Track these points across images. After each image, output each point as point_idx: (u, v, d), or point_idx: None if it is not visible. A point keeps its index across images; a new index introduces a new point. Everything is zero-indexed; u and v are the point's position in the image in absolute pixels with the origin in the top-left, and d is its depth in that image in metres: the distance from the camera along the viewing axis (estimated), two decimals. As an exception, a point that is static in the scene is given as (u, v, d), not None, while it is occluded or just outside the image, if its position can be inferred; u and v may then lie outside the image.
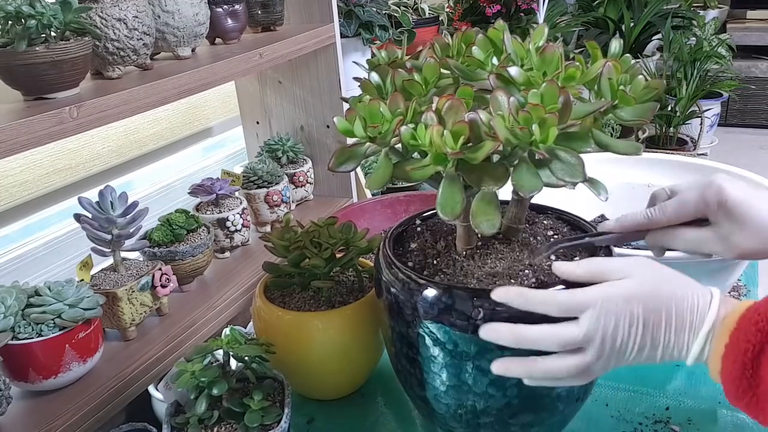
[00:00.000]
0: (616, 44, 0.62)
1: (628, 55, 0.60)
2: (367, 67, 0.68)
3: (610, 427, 0.76)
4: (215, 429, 0.67)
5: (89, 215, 0.88)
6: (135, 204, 0.92)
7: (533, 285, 0.61)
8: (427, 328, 0.61)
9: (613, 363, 0.54)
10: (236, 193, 1.17)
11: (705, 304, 0.54)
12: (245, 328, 1.02)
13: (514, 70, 0.57)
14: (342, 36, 1.42)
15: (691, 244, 0.62)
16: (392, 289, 0.64)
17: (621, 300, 0.53)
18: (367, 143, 0.60)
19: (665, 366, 0.85)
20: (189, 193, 1.13)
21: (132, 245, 0.96)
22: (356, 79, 0.67)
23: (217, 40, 1.11)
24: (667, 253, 0.77)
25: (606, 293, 0.53)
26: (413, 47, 1.70)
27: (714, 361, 0.53)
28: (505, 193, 0.60)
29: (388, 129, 0.58)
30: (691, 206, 0.61)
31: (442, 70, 0.64)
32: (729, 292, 1.01)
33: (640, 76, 0.58)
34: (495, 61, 0.63)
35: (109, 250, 0.91)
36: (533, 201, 0.66)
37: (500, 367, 0.56)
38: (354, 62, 0.92)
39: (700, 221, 0.61)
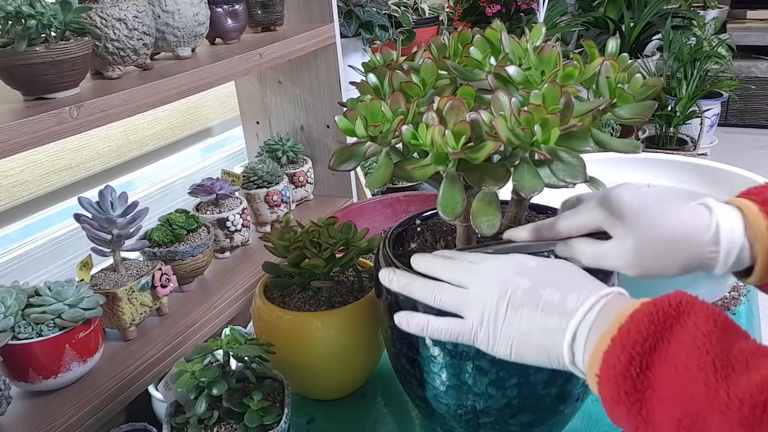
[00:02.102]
0: (613, 43, 0.62)
1: (625, 54, 0.60)
2: (362, 70, 0.68)
3: (610, 427, 0.75)
4: (215, 429, 0.67)
5: (89, 215, 0.88)
6: (135, 204, 0.92)
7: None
8: (427, 328, 0.61)
9: (494, 340, 0.51)
10: (236, 193, 1.17)
11: (593, 292, 0.48)
12: (245, 328, 1.02)
13: (512, 70, 0.57)
14: (342, 36, 1.42)
15: (590, 259, 0.56)
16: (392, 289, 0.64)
17: (503, 273, 0.51)
18: (368, 143, 0.60)
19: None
20: (189, 193, 1.13)
21: (132, 245, 0.96)
22: (353, 83, 0.67)
23: (217, 40, 1.11)
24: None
25: (492, 266, 0.53)
26: (412, 47, 1.70)
27: (594, 358, 0.45)
28: (505, 193, 0.60)
29: (389, 128, 0.58)
30: (586, 216, 0.56)
31: (440, 71, 0.64)
32: (729, 293, 1.01)
33: (638, 74, 0.58)
34: (493, 61, 0.63)
35: (109, 250, 0.91)
36: (533, 201, 0.66)
37: (400, 319, 0.57)
38: (349, 66, 0.92)
39: (601, 234, 0.56)
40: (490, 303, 0.51)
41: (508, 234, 0.60)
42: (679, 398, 0.40)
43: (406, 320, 0.57)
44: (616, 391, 0.43)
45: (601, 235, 0.55)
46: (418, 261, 0.58)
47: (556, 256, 0.59)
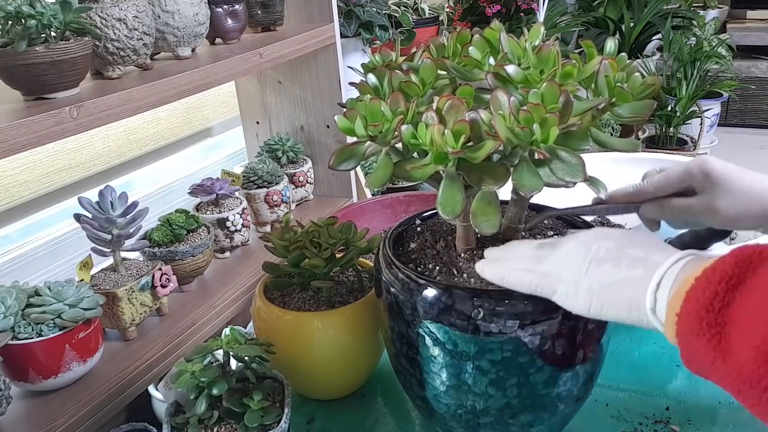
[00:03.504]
0: (611, 43, 0.62)
1: (623, 53, 0.60)
2: (362, 71, 0.68)
3: (610, 427, 0.76)
4: (215, 429, 0.67)
5: (89, 215, 0.88)
6: (135, 204, 0.92)
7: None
8: (427, 328, 0.61)
9: (574, 293, 0.53)
10: (236, 193, 1.17)
11: (677, 251, 0.51)
12: (245, 328, 1.02)
13: (511, 69, 0.57)
14: (342, 36, 1.43)
15: (678, 212, 0.65)
16: (392, 289, 0.64)
17: (586, 237, 0.55)
18: (368, 142, 0.60)
19: (665, 366, 0.85)
20: (189, 193, 1.13)
21: (132, 245, 0.96)
22: (353, 84, 0.67)
23: (217, 40, 1.11)
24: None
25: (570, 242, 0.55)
26: (412, 47, 1.70)
27: (677, 298, 0.47)
28: (505, 192, 0.60)
29: (388, 128, 0.58)
30: (676, 177, 0.64)
31: (439, 71, 0.64)
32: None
33: (637, 73, 0.58)
34: (492, 61, 0.63)
35: (109, 250, 0.91)
36: (533, 200, 0.66)
37: (482, 266, 0.60)
38: (349, 67, 0.92)
39: (687, 193, 0.65)
40: (574, 259, 0.54)
41: (594, 200, 0.66)
42: (760, 326, 0.42)
43: (487, 267, 0.59)
44: (698, 324, 0.44)
45: (688, 194, 0.65)
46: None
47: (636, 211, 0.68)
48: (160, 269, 0.93)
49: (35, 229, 1.04)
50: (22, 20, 0.70)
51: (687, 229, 0.71)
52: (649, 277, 0.49)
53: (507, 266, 0.58)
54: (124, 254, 0.94)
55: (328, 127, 1.35)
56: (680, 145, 2.78)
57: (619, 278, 0.51)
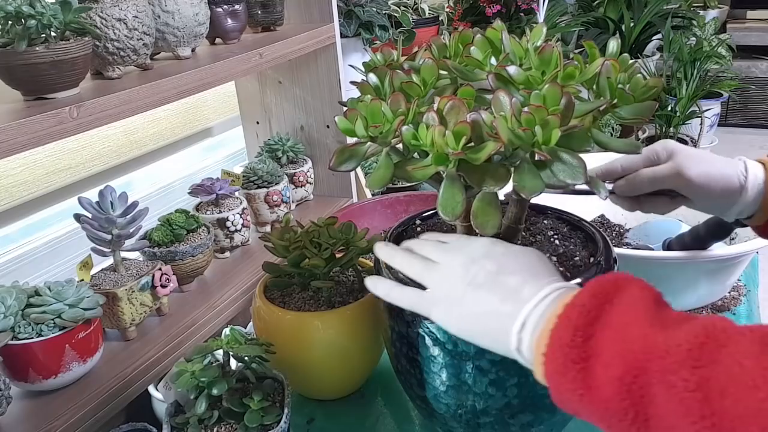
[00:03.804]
0: (613, 44, 0.62)
1: (626, 54, 0.60)
2: (363, 70, 0.68)
3: (610, 427, 0.76)
4: (215, 429, 0.67)
5: (89, 215, 0.88)
6: (135, 204, 0.92)
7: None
8: (427, 328, 0.61)
9: (447, 315, 0.54)
10: (236, 193, 1.17)
11: (550, 283, 0.51)
12: (245, 328, 1.02)
13: (512, 70, 0.57)
14: (342, 36, 1.42)
15: (648, 181, 0.74)
16: (392, 289, 0.64)
17: (471, 254, 0.55)
18: (368, 143, 0.60)
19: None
20: (189, 193, 1.13)
21: (132, 245, 0.96)
22: (353, 83, 0.67)
23: (217, 40, 1.11)
24: (666, 253, 0.81)
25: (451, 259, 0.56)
26: (412, 47, 1.70)
27: (542, 338, 0.47)
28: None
29: (389, 129, 0.58)
30: (641, 156, 0.75)
31: (440, 71, 0.64)
32: (729, 293, 1.01)
33: (639, 75, 0.58)
34: (493, 61, 0.63)
35: (109, 250, 0.91)
36: (533, 201, 0.66)
37: (370, 283, 0.61)
38: (350, 65, 0.92)
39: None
40: (453, 280, 0.54)
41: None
42: (620, 357, 0.42)
43: (373, 284, 0.60)
44: (563, 362, 0.45)
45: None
46: (407, 243, 0.62)
47: (612, 193, 0.77)
48: (160, 269, 0.93)
49: (35, 229, 1.04)
50: (22, 20, 0.70)
51: (659, 212, 0.78)
52: (515, 316, 0.49)
53: (386, 281, 0.59)
54: (124, 254, 0.94)
55: (328, 127, 1.35)
56: (680, 145, 2.78)
57: (489, 310, 0.51)
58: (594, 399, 0.43)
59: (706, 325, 0.41)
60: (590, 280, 0.48)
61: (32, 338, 0.77)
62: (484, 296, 0.51)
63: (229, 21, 1.07)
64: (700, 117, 2.67)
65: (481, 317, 0.51)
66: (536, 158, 0.54)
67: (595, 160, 0.76)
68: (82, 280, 0.88)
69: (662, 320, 0.43)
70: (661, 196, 0.75)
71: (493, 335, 0.51)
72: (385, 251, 0.61)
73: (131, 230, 0.91)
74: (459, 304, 0.53)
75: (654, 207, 0.77)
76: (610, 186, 0.77)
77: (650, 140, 2.80)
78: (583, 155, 0.54)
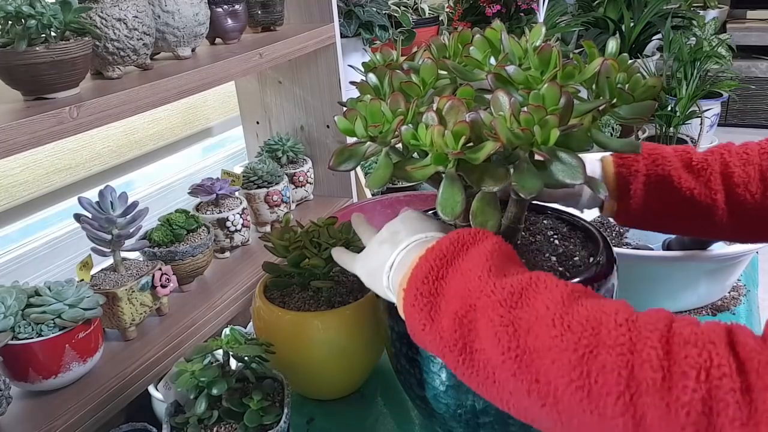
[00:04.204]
0: (613, 44, 0.62)
1: (625, 54, 0.60)
2: (363, 70, 0.68)
3: (610, 427, 0.76)
4: (215, 429, 0.67)
5: (89, 215, 0.88)
6: (135, 204, 0.92)
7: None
8: (427, 328, 0.61)
9: (360, 266, 0.62)
10: (236, 193, 1.17)
11: (423, 231, 0.57)
12: (245, 328, 1.02)
13: (512, 70, 0.57)
14: (342, 36, 1.42)
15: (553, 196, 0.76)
16: (392, 289, 0.64)
17: (394, 221, 0.62)
18: (368, 143, 0.60)
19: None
20: (189, 193, 1.13)
21: (132, 245, 0.96)
22: (353, 83, 0.67)
23: (217, 40, 1.11)
24: (665, 253, 0.81)
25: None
26: (412, 47, 1.70)
27: (405, 276, 0.53)
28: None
29: (388, 129, 0.58)
30: None
31: (440, 71, 0.64)
32: (729, 293, 1.01)
33: (638, 75, 0.58)
34: (493, 61, 0.63)
35: (109, 250, 0.91)
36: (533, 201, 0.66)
37: (334, 252, 0.68)
38: (350, 66, 0.92)
39: None
40: (372, 241, 0.61)
41: None
42: (459, 294, 0.49)
43: (336, 253, 0.68)
44: (415, 295, 0.51)
45: None
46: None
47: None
48: (160, 269, 0.93)
49: (35, 229, 1.04)
50: (22, 20, 0.70)
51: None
52: (388, 257, 0.56)
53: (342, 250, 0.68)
54: (124, 254, 0.94)
55: (328, 127, 1.35)
56: (680, 145, 2.78)
57: (378, 257, 0.58)
58: (434, 330, 0.50)
59: (531, 276, 0.48)
60: (453, 232, 0.54)
61: (32, 338, 0.77)
62: (379, 247, 0.59)
63: (229, 21, 1.07)
64: (700, 117, 2.67)
65: (373, 263, 0.58)
66: (535, 158, 0.54)
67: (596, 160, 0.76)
68: (82, 280, 0.88)
69: (502, 269, 0.50)
70: None
71: (376, 277, 0.57)
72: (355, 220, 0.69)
73: (131, 230, 0.91)
74: (367, 256, 0.60)
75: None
76: None
77: (650, 140, 2.80)
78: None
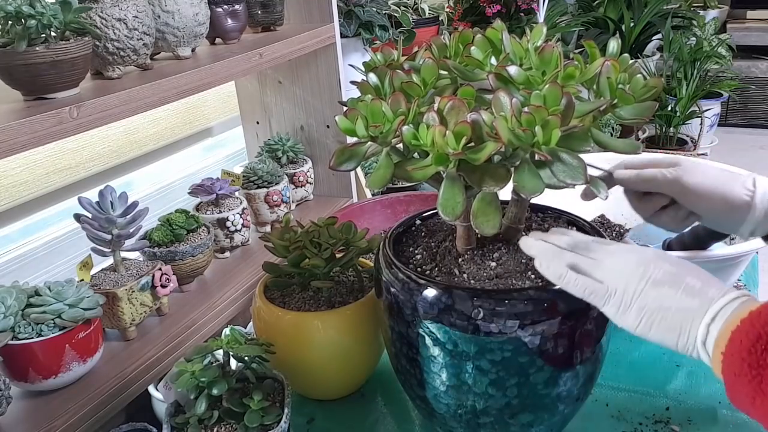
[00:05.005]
0: (614, 44, 0.62)
1: (626, 54, 0.60)
2: (363, 69, 0.68)
3: (610, 427, 0.76)
4: (215, 429, 0.67)
5: (89, 215, 0.88)
6: (135, 204, 0.92)
7: (536, 285, 0.61)
8: (427, 328, 0.61)
9: (625, 308, 0.55)
10: (236, 193, 1.17)
11: (732, 290, 0.53)
12: (245, 328, 1.02)
13: (513, 70, 0.57)
14: (342, 36, 1.42)
15: (646, 179, 0.73)
16: (392, 289, 0.64)
17: (643, 255, 0.56)
18: (368, 143, 0.60)
19: (665, 366, 0.85)
20: (189, 193, 1.13)
21: (132, 245, 0.96)
22: (353, 82, 0.67)
23: (217, 40, 1.11)
24: (670, 253, 0.81)
25: (623, 258, 0.56)
26: (412, 47, 1.70)
27: (723, 337, 0.49)
28: (505, 193, 0.60)
29: (389, 129, 0.58)
30: (648, 158, 0.76)
31: (440, 71, 0.64)
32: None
33: (639, 75, 0.58)
34: (494, 61, 0.63)
35: (109, 250, 0.91)
36: (533, 200, 0.66)
37: (539, 263, 0.59)
38: (350, 65, 0.92)
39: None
40: (633, 275, 0.54)
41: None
42: None
43: (545, 265, 0.58)
44: (740, 364, 0.47)
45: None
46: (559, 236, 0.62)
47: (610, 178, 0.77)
48: (160, 269, 0.93)
49: (35, 229, 1.04)
50: (22, 20, 0.70)
51: (666, 226, 0.77)
52: (705, 310, 0.51)
53: (561, 264, 0.57)
54: (124, 254, 0.94)
55: (328, 127, 1.35)
56: (680, 145, 2.78)
57: (674, 304, 0.52)
58: (766, 404, 0.46)
59: None
60: None
61: (32, 338, 0.77)
62: (667, 292, 0.53)
63: (229, 21, 1.07)
64: (700, 117, 2.67)
65: (664, 311, 0.53)
66: (536, 158, 0.54)
67: (596, 160, 0.76)
68: (82, 280, 0.88)
69: None
70: (666, 208, 0.75)
71: (678, 329, 0.52)
72: (536, 246, 0.60)
73: (131, 230, 0.91)
74: (639, 298, 0.54)
75: (659, 218, 0.76)
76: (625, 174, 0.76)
77: (650, 140, 2.80)
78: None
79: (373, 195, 1.36)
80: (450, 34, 0.68)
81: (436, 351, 0.62)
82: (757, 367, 0.46)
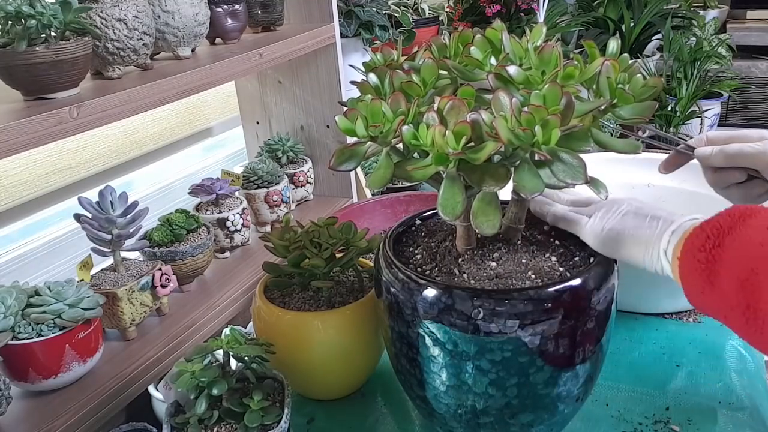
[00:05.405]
0: (614, 44, 0.62)
1: (626, 54, 0.60)
2: (363, 69, 0.68)
3: (610, 427, 0.76)
4: (215, 429, 0.67)
5: (89, 215, 0.88)
6: (135, 204, 0.92)
7: (536, 284, 0.61)
8: (427, 328, 0.61)
9: (600, 228, 0.64)
10: (236, 193, 1.17)
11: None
12: (245, 328, 1.02)
13: (512, 69, 0.57)
14: (342, 36, 1.42)
15: (733, 154, 0.74)
16: (392, 289, 0.64)
17: (619, 198, 0.66)
18: (368, 143, 0.60)
19: (665, 366, 0.85)
20: (189, 193, 1.13)
21: (132, 245, 0.96)
22: (353, 82, 0.67)
23: (217, 40, 1.11)
24: None
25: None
26: (412, 47, 1.70)
27: (679, 244, 0.56)
28: (505, 193, 0.60)
29: (389, 128, 0.58)
30: (736, 133, 0.77)
31: (440, 71, 0.64)
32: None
33: (639, 75, 0.58)
34: (493, 61, 0.63)
35: (109, 250, 0.91)
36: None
37: (535, 205, 0.70)
38: (350, 65, 0.92)
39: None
40: (606, 207, 0.64)
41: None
42: (739, 261, 0.51)
43: (538, 203, 0.70)
44: (692, 262, 0.54)
45: None
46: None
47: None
48: (160, 269, 0.93)
49: (35, 229, 1.04)
50: (22, 20, 0.70)
51: (747, 200, 0.77)
52: (668, 224, 0.59)
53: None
54: (124, 254, 0.94)
55: (328, 127, 1.35)
56: (680, 145, 2.78)
57: (641, 224, 0.61)
58: (714, 293, 0.53)
59: None
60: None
61: (32, 338, 0.77)
62: (633, 217, 0.62)
63: (229, 21, 1.07)
64: (700, 117, 2.67)
65: (633, 229, 0.61)
66: (536, 158, 0.54)
67: (596, 160, 0.76)
68: (82, 280, 0.88)
69: None
70: (741, 183, 0.76)
71: (644, 241, 0.60)
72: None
73: (131, 230, 0.91)
74: (610, 220, 0.63)
75: (732, 192, 0.78)
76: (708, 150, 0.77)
77: (650, 139, 2.80)
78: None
79: (373, 195, 1.36)
80: (450, 34, 0.68)
81: (436, 351, 0.62)
82: (706, 261, 0.53)
